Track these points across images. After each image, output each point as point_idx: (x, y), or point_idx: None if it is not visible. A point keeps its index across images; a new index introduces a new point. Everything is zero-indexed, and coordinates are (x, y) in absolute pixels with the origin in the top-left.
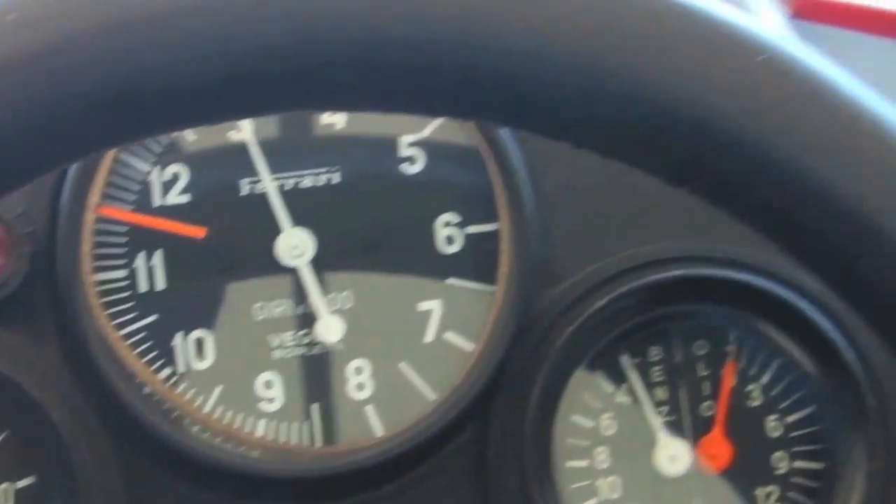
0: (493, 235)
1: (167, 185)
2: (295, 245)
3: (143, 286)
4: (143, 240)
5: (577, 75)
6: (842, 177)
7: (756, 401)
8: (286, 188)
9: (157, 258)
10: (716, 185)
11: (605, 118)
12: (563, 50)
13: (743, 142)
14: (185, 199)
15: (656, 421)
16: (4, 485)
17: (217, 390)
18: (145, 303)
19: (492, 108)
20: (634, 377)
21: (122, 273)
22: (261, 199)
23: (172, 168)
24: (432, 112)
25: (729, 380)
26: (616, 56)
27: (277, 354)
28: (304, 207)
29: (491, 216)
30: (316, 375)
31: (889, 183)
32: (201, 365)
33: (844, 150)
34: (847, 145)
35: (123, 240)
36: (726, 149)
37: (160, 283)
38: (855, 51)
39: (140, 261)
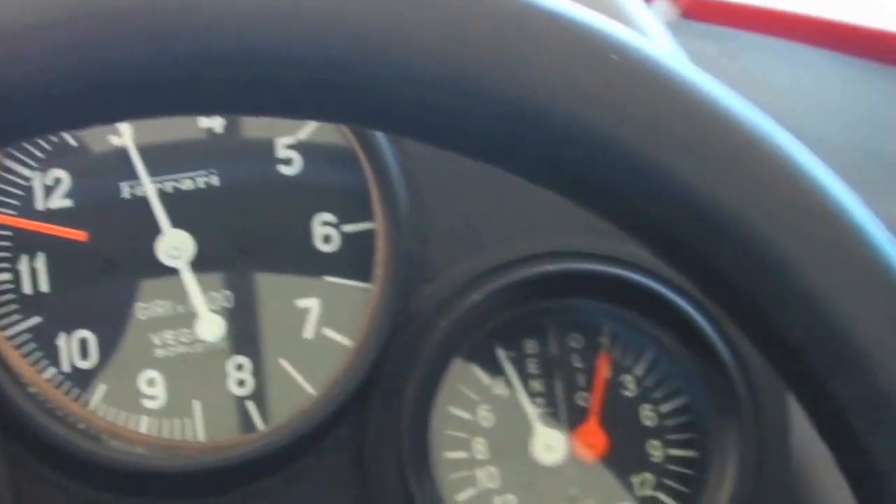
0: (369, 234)
1: (49, 190)
2: (175, 246)
3: (27, 288)
4: (26, 243)
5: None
6: (681, 165)
7: (630, 391)
8: (165, 191)
9: (40, 261)
10: (574, 184)
11: (446, 117)
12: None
13: (593, 142)
14: (67, 203)
15: (532, 412)
16: None
17: (101, 389)
18: (29, 305)
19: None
20: (510, 370)
21: (6, 276)
22: (141, 202)
23: (54, 173)
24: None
25: (603, 371)
26: (457, 59)
27: (159, 353)
28: (183, 209)
29: (366, 215)
30: (197, 373)
31: (736, 177)
32: (85, 364)
33: (690, 142)
34: (694, 138)
35: (7, 244)
36: (576, 148)
37: (43, 286)
38: (745, 50)
39: (23, 264)
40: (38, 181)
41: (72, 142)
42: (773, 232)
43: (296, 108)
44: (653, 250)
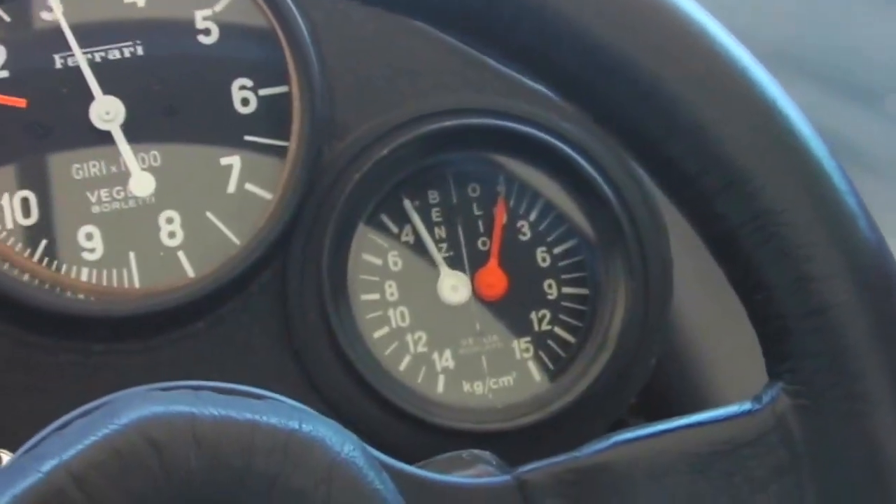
0: (284, 97)
1: None
2: (107, 111)
3: None
4: None
5: None
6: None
7: (526, 235)
8: (95, 61)
9: None
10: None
11: None
12: None
13: None
14: (4, 73)
15: (438, 256)
16: None
17: (43, 243)
18: None
19: None
20: (416, 218)
21: None
22: (74, 71)
23: None
24: None
25: (500, 217)
26: None
27: (96, 209)
28: (112, 77)
29: (280, 80)
30: (131, 226)
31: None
32: (27, 222)
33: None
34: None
35: None
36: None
37: None
38: None
39: None
40: None
41: (5, 17)
42: (662, 73)
43: None
44: (566, 97)
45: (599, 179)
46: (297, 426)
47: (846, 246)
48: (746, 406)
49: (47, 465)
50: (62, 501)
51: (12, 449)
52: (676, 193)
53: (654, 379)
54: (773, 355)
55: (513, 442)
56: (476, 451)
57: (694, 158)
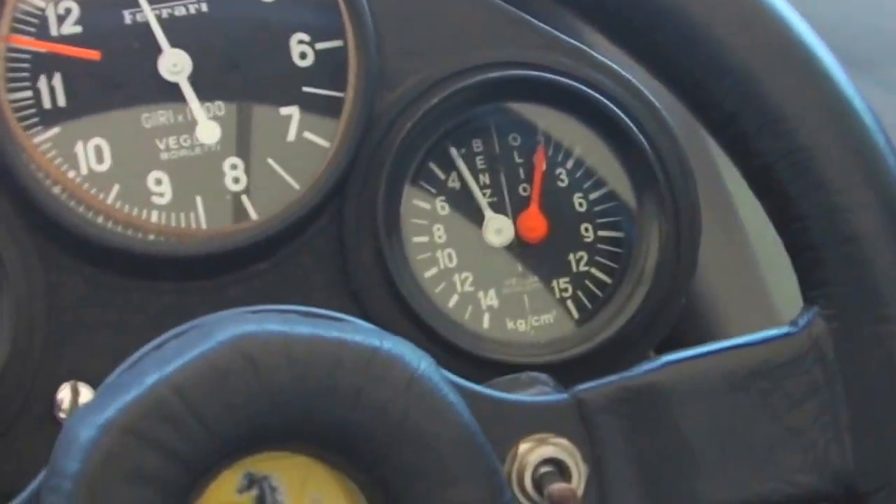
0: (340, 51)
1: (61, 18)
2: (174, 63)
3: (46, 104)
4: (43, 64)
5: None
6: None
7: (564, 182)
8: (163, 16)
9: (57, 79)
10: None
11: None
12: None
13: None
14: (77, 29)
15: (483, 201)
16: None
17: (115, 188)
18: (49, 117)
19: None
20: (462, 165)
21: (27, 94)
22: (143, 27)
23: (65, 3)
24: None
25: (540, 165)
26: None
27: (164, 156)
28: (179, 32)
29: (336, 34)
30: (198, 172)
31: None
32: (101, 168)
33: None
34: None
35: (26, 65)
36: None
37: (61, 101)
38: None
39: (42, 82)
40: (50, 10)
41: None
42: (708, 20)
43: None
44: (616, 41)
45: (634, 129)
46: (378, 344)
47: (876, 180)
48: (784, 329)
49: (150, 380)
50: (164, 411)
51: (90, 381)
52: (718, 132)
53: None
54: (808, 282)
55: (554, 376)
56: (533, 374)
57: (733, 99)
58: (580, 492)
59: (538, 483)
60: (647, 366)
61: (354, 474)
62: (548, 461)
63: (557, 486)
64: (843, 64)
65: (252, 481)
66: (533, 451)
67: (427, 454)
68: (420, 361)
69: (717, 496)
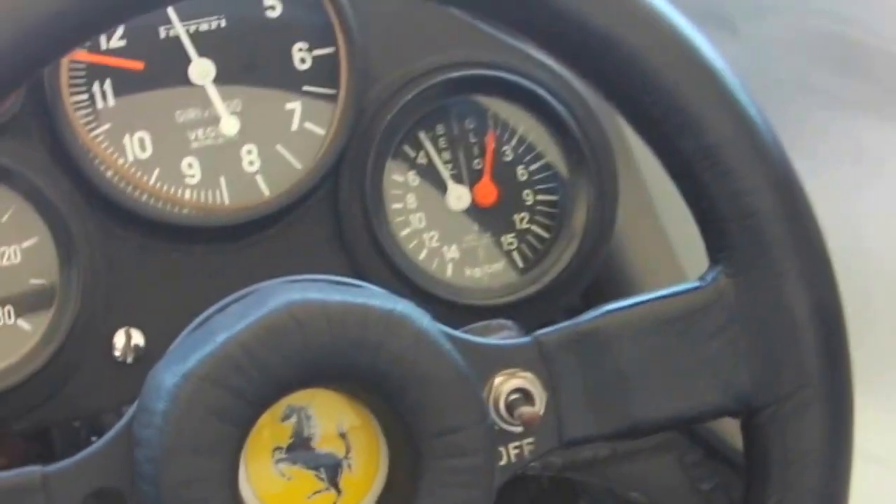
0: (333, 56)
1: (109, 35)
2: (201, 70)
3: (99, 104)
4: (96, 72)
5: None
6: None
7: (509, 157)
8: (191, 31)
9: (108, 85)
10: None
11: None
12: None
13: None
14: (122, 43)
15: (445, 173)
16: (14, 245)
17: (156, 171)
18: (101, 115)
19: None
20: (429, 145)
21: (84, 96)
22: (175, 40)
23: None
24: None
25: (491, 144)
26: None
27: (194, 145)
28: (205, 43)
29: (330, 42)
30: (221, 157)
31: None
32: (143, 155)
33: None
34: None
35: (83, 73)
36: None
37: (111, 102)
38: None
39: (96, 87)
40: None
41: None
42: (638, 50)
43: None
44: (561, 61)
45: (565, 114)
46: (393, 306)
47: (768, 170)
48: (695, 284)
49: (220, 337)
50: (233, 362)
51: (140, 327)
52: (645, 132)
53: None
54: (714, 247)
55: (505, 315)
56: (501, 321)
57: (660, 109)
58: (541, 413)
59: (510, 407)
60: (591, 314)
61: (373, 406)
62: (516, 391)
63: (525, 409)
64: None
65: (292, 411)
66: (505, 384)
67: (430, 389)
68: (423, 319)
69: (647, 414)
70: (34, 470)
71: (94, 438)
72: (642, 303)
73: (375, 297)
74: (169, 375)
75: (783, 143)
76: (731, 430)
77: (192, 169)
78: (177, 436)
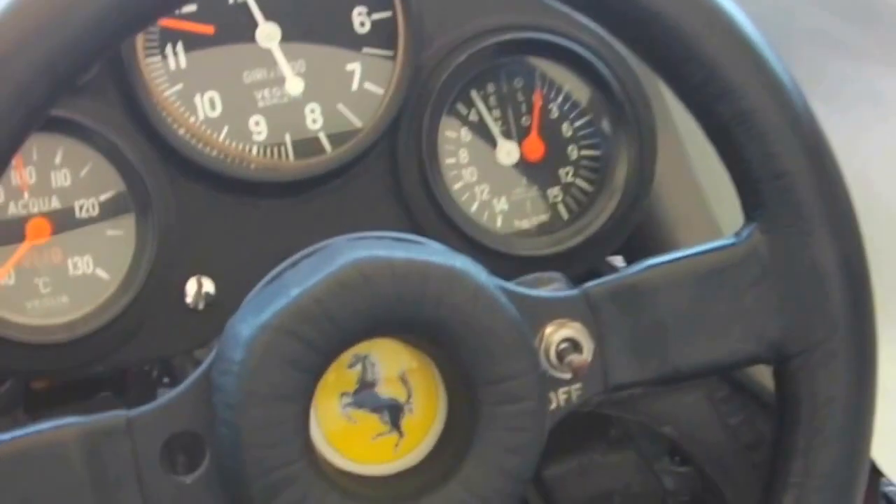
0: (390, 20)
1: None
2: (268, 33)
3: (172, 66)
4: (168, 36)
5: None
6: None
7: (555, 114)
8: None
9: (180, 47)
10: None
11: None
12: None
13: None
14: (193, 7)
15: (495, 130)
16: (91, 198)
17: (225, 129)
18: (174, 76)
19: None
20: (480, 104)
21: (157, 59)
22: (243, 5)
23: None
24: None
25: (538, 102)
26: None
27: (261, 104)
28: (271, 8)
29: (387, 6)
30: (287, 116)
31: None
32: (213, 114)
33: None
34: None
35: (156, 37)
36: None
37: (183, 64)
38: None
39: (168, 49)
40: None
41: None
42: (680, 20)
43: None
44: (606, 30)
45: (608, 73)
46: (453, 262)
47: (799, 134)
48: (732, 240)
49: (295, 291)
50: (306, 315)
51: (210, 275)
52: (687, 98)
53: None
54: (749, 205)
55: (551, 265)
56: (551, 273)
57: (701, 76)
58: (589, 360)
59: (560, 356)
60: (634, 267)
61: (434, 354)
62: (566, 340)
63: (574, 357)
64: None
65: (357, 359)
66: (555, 333)
67: (487, 339)
68: (480, 274)
69: (687, 361)
70: (119, 414)
71: (165, 380)
72: (682, 258)
73: (436, 253)
74: (245, 327)
75: (803, 88)
76: (757, 367)
77: (258, 127)
78: (253, 383)
